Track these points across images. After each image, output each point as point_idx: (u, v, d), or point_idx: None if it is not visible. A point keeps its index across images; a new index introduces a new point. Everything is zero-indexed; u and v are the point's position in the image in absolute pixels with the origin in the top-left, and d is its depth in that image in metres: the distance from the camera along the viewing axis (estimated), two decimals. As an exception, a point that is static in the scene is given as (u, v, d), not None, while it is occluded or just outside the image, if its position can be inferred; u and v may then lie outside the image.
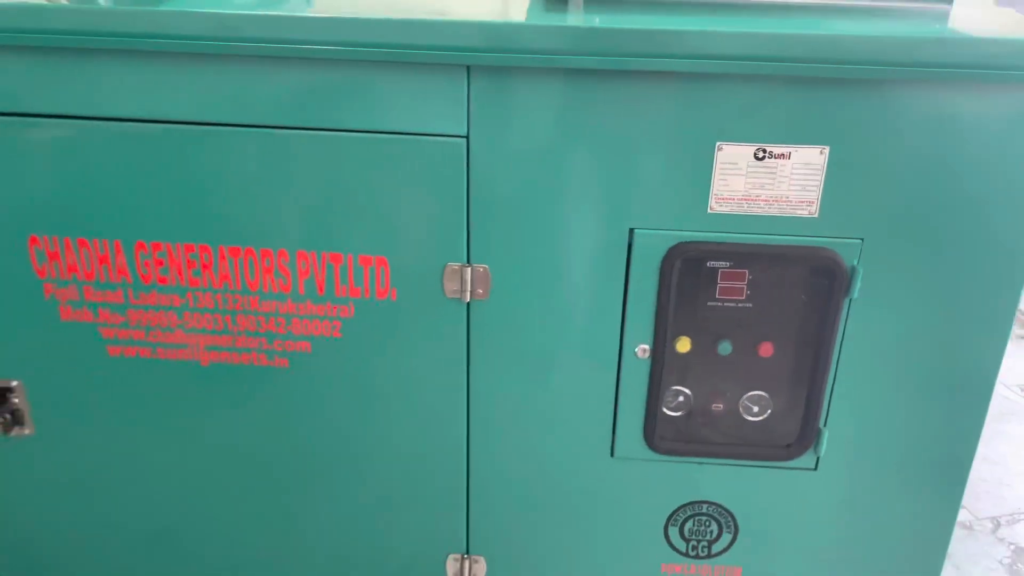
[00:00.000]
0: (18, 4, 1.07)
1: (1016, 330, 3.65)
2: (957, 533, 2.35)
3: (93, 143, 1.13)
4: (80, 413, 1.31)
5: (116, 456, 1.34)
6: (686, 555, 1.36)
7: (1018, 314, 4.41)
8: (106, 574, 1.44)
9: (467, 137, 1.10)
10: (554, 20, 1.09)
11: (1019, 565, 2.22)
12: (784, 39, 1.03)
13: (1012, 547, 2.29)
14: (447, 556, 1.39)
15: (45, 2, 1.09)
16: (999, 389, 3.18)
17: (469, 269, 1.17)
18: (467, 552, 1.38)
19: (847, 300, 1.16)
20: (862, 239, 1.13)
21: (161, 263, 1.19)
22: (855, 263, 1.14)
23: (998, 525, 2.37)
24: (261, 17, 1.06)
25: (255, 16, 1.06)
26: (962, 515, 2.42)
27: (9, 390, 1.29)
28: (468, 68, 1.06)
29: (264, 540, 1.40)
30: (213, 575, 1.44)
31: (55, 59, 1.09)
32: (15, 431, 1.32)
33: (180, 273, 1.20)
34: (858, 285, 1.14)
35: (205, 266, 1.19)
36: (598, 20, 1.10)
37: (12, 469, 1.35)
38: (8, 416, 1.31)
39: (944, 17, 1.16)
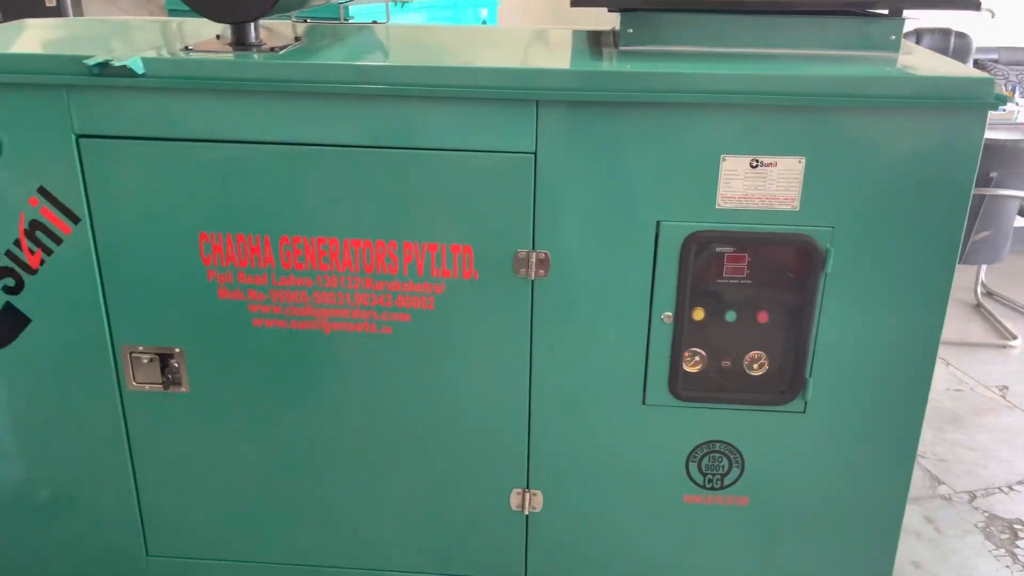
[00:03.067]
0: (208, 59, 1.47)
1: (998, 339, 4.00)
2: (938, 503, 2.68)
3: (251, 161, 1.51)
4: (226, 373, 1.67)
5: (254, 408, 1.69)
6: (703, 487, 1.70)
7: (996, 323, 4.70)
8: (240, 508, 1.79)
9: (535, 154, 1.47)
10: (598, 66, 1.47)
11: (992, 528, 2.55)
12: (770, 79, 1.41)
13: (986, 514, 2.61)
14: (511, 490, 1.73)
15: (221, 57, 1.47)
16: (980, 389, 3.53)
17: (534, 254, 1.53)
18: (527, 487, 1.73)
19: (823, 275, 1.52)
20: (833, 227, 1.49)
21: (299, 252, 1.56)
22: (828, 245, 1.50)
23: (974, 497, 2.70)
24: (400, 68, 1.45)
25: (395, 67, 1.46)
26: (943, 490, 2.75)
27: (171, 355, 1.66)
28: (537, 102, 1.44)
29: (370, 488, 1.75)
30: (316, 518, 1.78)
31: (224, 98, 1.47)
32: (172, 388, 1.68)
33: (313, 260, 1.57)
34: (831, 262, 1.50)
35: (332, 255, 1.56)
36: (630, 67, 1.49)
37: (168, 420, 1.71)
38: (169, 376, 1.67)
39: (892, 61, 1.54)
